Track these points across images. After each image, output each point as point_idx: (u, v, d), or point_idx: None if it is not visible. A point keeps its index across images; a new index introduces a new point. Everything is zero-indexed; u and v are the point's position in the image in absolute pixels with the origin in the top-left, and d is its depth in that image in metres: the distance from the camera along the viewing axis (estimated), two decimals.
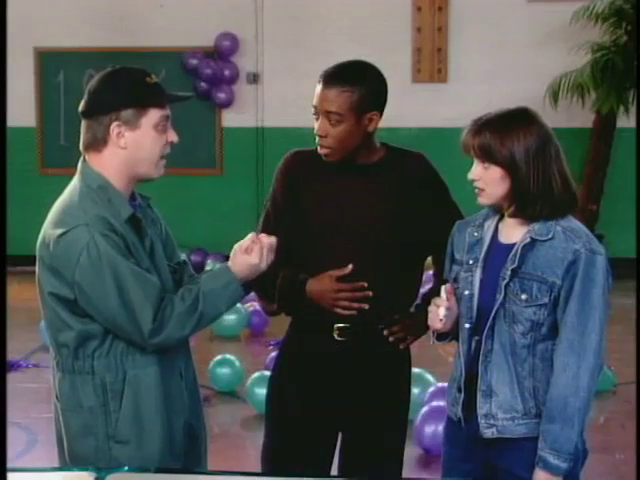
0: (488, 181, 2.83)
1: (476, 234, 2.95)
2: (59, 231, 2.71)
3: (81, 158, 2.87)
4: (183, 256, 3.15)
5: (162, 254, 2.93)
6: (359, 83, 3.12)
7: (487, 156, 2.81)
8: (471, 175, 2.86)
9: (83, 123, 2.84)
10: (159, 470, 2.73)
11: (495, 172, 2.81)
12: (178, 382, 2.91)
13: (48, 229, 2.76)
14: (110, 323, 2.74)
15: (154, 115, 2.80)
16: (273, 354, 6.54)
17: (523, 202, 2.82)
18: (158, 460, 2.81)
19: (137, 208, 2.88)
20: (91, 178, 2.80)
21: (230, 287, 2.84)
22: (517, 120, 2.83)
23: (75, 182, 2.84)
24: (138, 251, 2.79)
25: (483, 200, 2.88)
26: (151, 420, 2.82)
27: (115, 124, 2.77)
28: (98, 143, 2.80)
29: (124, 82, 2.80)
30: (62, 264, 2.71)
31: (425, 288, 3.37)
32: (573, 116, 9.90)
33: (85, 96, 2.84)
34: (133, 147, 2.79)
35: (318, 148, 3.20)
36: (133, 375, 2.79)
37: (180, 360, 2.94)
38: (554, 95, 9.83)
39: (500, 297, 2.83)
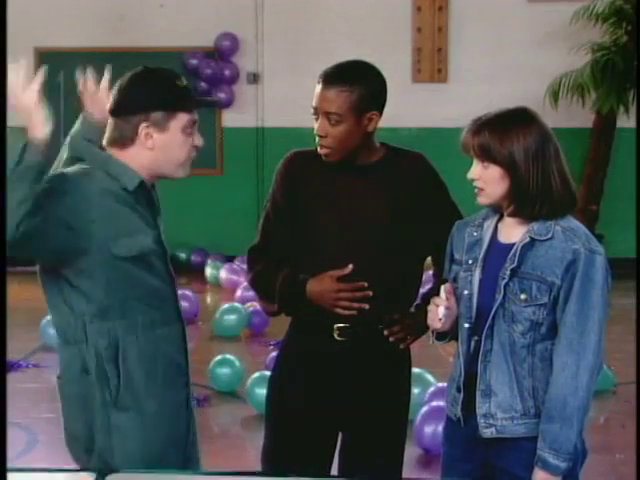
0: (487, 180, 2.83)
1: (475, 234, 2.95)
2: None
3: (87, 145, 2.92)
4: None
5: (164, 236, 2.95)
6: (358, 83, 3.12)
7: (486, 155, 2.81)
8: (470, 174, 2.86)
9: (110, 120, 2.86)
10: (159, 470, 2.73)
11: (494, 171, 2.81)
12: (179, 349, 2.91)
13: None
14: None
15: (182, 119, 2.82)
16: (273, 354, 6.53)
17: (522, 201, 2.82)
18: (159, 430, 2.81)
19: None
20: (99, 156, 2.86)
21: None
22: (517, 120, 2.83)
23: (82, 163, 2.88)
24: (144, 218, 2.83)
25: (482, 200, 2.88)
26: (147, 387, 2.81)
27: (144, 125, 2.79)
28: (125, 141, 2.82)
29: (155, 84, 2.83)
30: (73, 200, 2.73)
31: (425, 288, 3.37)
32: (573, 116, 9.91)
33: (115, 94, 2.85)
34: (160, 149, 2.82)
35: (318, 148, 3.20)
36: (125, 340, 2.79)
37: (178, 326, 2.93)
38: (554, 95, 9.84)
39: (499, 297, 2.83)
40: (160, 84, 2.83)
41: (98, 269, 2.73)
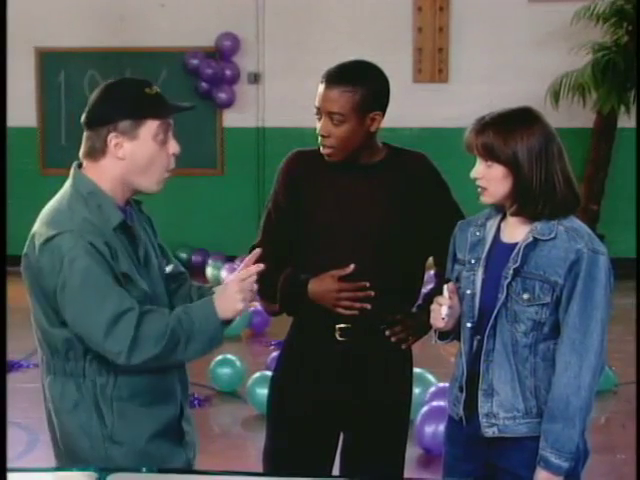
0: (490, 179, 2.83)
1: (478, 233, 2.95)
2: (45, 235, 2.71)
3: (74, 163, 2.86)
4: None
5: (155, 261, 2.92)
6: (361, 83, 3.12)
7: (490, 155, 2.81)
8: (473, 174, 2.86)
9: (84, 134, 2.84)
10: (160, 470, 2.73)
11: (498, 171, 2.81)
12: (171, 382, 2.89)
13: (37, 230, 2.76)
14: (86, 338, 2.72)
15: (152, 125, 2.77)
16: (274, 354, 6.53)
17: (525, 201, 2.82)
18: (152, 460, 2.79)
19: (128, 215, 2.86)
20: (82, 184, 2.79)
21: (211, 324, 2.76)
22: (521, 120, 2.83)
23: (67, 187, 2.84)
24: (127, 258, 2.78)
25: (485, 199, 2.88)
26: (142, 422, 2.81)
27: (112, 135, 2.76)
28: (96, 153, 2.79)
29: (121, 94, 2.80)
30: (47, 268, 2.71)
31: (427, 288, 3.37)
32: (574, 116, 9.90)
33: (86, 108, 2.83)
34: (131, 157, 2.77)
35: (320, 148, 3.20)
36: (124, 379, 2.77)
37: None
38: (555, 95, 9.83)
39: (502, 296, 2.82)
40: (127, 93, 2.79)
41: None
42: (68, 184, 2.84)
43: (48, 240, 2.70)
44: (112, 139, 2.76)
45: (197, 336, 2.73)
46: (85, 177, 2.80)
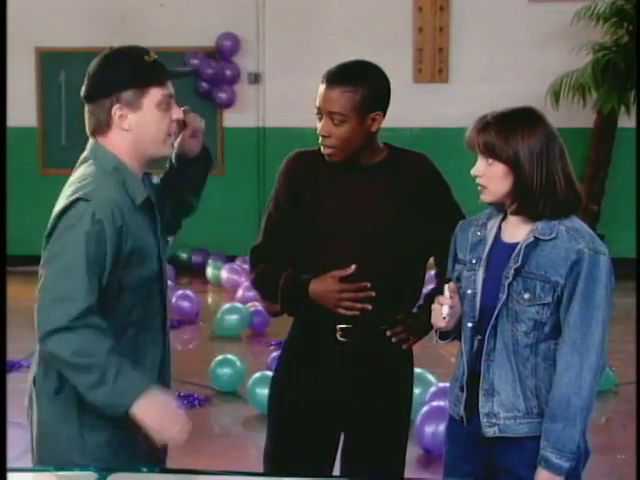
0: (491, 177, 2.83)
1: (479, 233, 2.95)
2: (63, 203, 2.70)
3: (90, 140, 2.84)
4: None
5: (164, 234, 2.93)
6: (362, 83, 3.12)
7: (491, 153, 2.81)
8: (474, 171, 2.86)
9: (86, 107, 2.82)
10: (160, 470, 2.73)
11: (498, 169, 2.81)
12: (153, 372, 2.86)
13: (59, 201, 2.75)
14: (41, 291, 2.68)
15: (155, 94, 2.77)
16: (274, 354, 6.54)
17: (525, 200, 2.81)
18: (127, 451, 2.77)
19: (148, 188, 2.87)
20: (106, 159, 2.78)
21: (118, 403, 2.64)
22: (523, 119, 2.83)
23: (89, 162, 2.81)
24: (146, 235, 2.78)
25: (485, 197, 2.88)
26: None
27: (117, 107, 2.74)
28: (103, 127, 2.78)
29: (122, 63, 2.78)
30: (53, 231, 2.70)
31: (427, 288, 3.37)
32: (574, 116, 9.90)
33: (85, 80, 2.81)
34: (137, 128, 2.77)
35: (321, 148, 3.20)
36: None
37: (157, 350, 2.90)
38: (555, 95, 9.83)
39: (503, 296, 2.82)
40: (127, 62, 2.78)
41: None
42: (89, 160, 2.81)
43: (66, 207, 2.68)
44: (116, 111, 2.75)
45: (107, 393, 2.62)
46: (107, 151, 2.78)
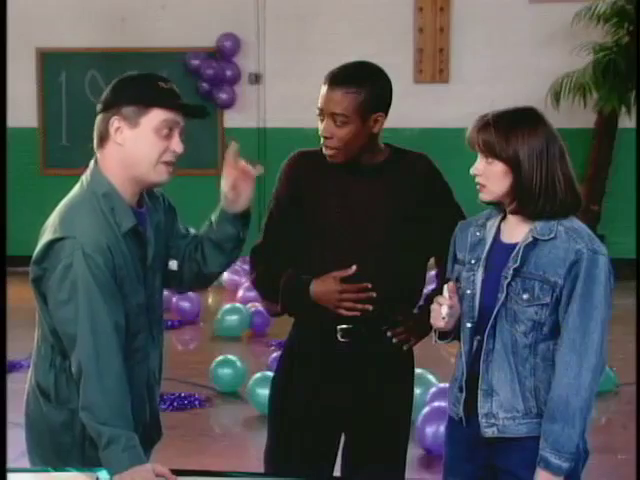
0: (490, 176, 2.83)
1: (478, 234, 2.95)
2: (49, 237, 2.71)
3: (93, 158, 2.84)
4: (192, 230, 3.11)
5: (161, 266, 2.92)
6: (365, 84, 3.12)
7: (491, 152, 2.81)
8: (473, 170, 2.86)
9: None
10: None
11: (498, 168, 2.81)
12: (142, 387, 2.88)
13: (45, 230, 2.76)
14: (66, 343, 2.73)
15: (156, 116, 2.73)
16: (275, 354, 6.54)
17: (524, 199, 2.81)
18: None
19: (143, 215, 2.84)
20: (99, 184, 2.77)
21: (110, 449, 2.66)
22: (523, 119, 2.83)
23: (83, 184, 2.81)
24: (132, 265, 2.77)
25: (484, 196, 2.88)
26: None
27: (115, 118, 2.73)
28: (102, 139, 2.78)
29: (135, 81, 2.79)
30: (47, 269, 2.71)
31: (428, 289, 3.37)
32: (575, 116, 9.90)
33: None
34: (129, 145, 2.74)
35: (323, 149, 3.19)
36: None
37: (154, 365, 2.92)
38: (556, 95, 9.84)
39: (502, 297, 2.82)
40: (140, 81, 2.78)
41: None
42: (84, 181, 2.81)
43: (50, 243, 2.70)
44: (114, 122, 2.74)
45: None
46: (102, 176, 2.78)
